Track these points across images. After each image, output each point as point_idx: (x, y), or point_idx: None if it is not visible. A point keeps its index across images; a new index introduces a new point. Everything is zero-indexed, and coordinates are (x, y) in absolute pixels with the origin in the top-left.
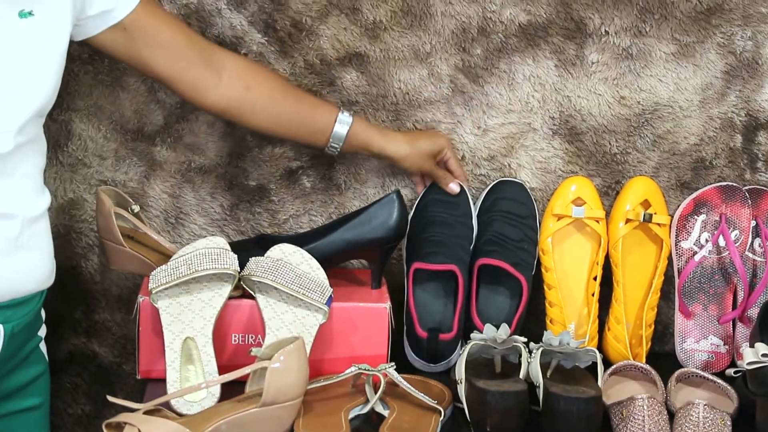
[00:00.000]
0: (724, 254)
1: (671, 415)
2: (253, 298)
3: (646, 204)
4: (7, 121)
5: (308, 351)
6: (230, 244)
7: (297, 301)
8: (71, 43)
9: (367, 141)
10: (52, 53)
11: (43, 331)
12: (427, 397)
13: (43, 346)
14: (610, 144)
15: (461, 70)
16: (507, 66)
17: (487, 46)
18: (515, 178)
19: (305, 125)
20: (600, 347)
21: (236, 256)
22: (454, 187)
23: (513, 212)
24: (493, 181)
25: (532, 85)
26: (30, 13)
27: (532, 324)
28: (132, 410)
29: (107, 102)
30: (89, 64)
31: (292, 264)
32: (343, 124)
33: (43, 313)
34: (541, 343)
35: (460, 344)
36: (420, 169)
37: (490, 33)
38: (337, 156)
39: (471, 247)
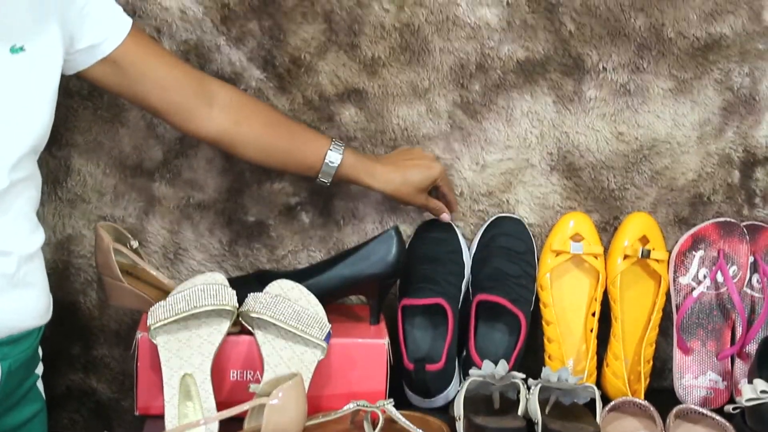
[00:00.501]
0: (722, 290)
1: None
2: (251, 334)
3: (644, 240)
4: (1, 157)
5: (307, 387)
6: (229, 279)
7: (295, 338)
8: (69, 78)
9: (355, 177)
10: (45, 88)
11: (40, 369)
12: None
13: (40, 384)
14: (608, 180)
15: (459, 106)
16: (505, 102)
17: (485, 82)
18: (513, 213)
19: (296, 160)
20: (598, 383)
21: (235, 292)
22: (445, 217)
23: (511, 248)
24: (492, 216)
25: (530, 121)
26: (21, 49)
27: (531, 360)
28: None
29: (106, 138)
30: (88, 100)
31: (291, 300)
32: (332, 161)
33: (40, 350)
34: (539, 380)
35: (459, 380)
36: (412, 201)
37: (488, 69)
38: (335, 190)
39: (463, 282)
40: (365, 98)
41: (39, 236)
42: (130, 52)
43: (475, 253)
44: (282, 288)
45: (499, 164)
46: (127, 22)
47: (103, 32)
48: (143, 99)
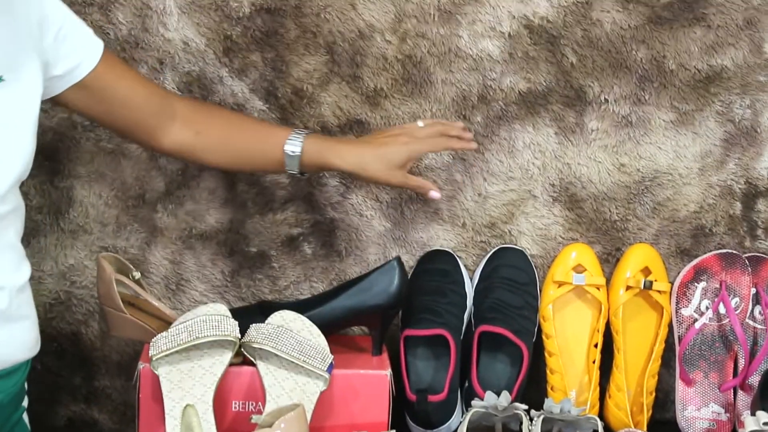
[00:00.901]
0: (724, 322)
1: None
2: (253, 364)
3: (646, 271)
4: None
5: (309, 418)
6: (231, 310)
7: (298, 368)
8: (72, 109)
9: (323, 162)
10: (27, 118)
11: (26, 402)
12: None
13: (26, 417)
14: (610, 211)
15: None
16: (507, 133)
17: (487, 113)
18: (516, 245)
19: (260, 158)
20: (601, 415)
21: (237, 322)
22: (435, 194)
23: (513, 279)
24: (494, 247)
25: (533, 152)
26: (1, 79)
27: (533, 391)
28: None
29: (108, 169)
30: (91, 131)
31: (293, 331)
32: (293, 151)
33: (25, 383)
34: (542, 411)
35: (461, 411)
36: (388, 181)
37: (490, 101)
38: (337, 222)
39: (465, 313)
40: (367, 129)
41: (27, 267)
42: (101, 75)
43: (477, 284)
44: (284, 319)
45: (501, 195)
46: (99, 45)
47: (78, 57)
48: (109, 119)
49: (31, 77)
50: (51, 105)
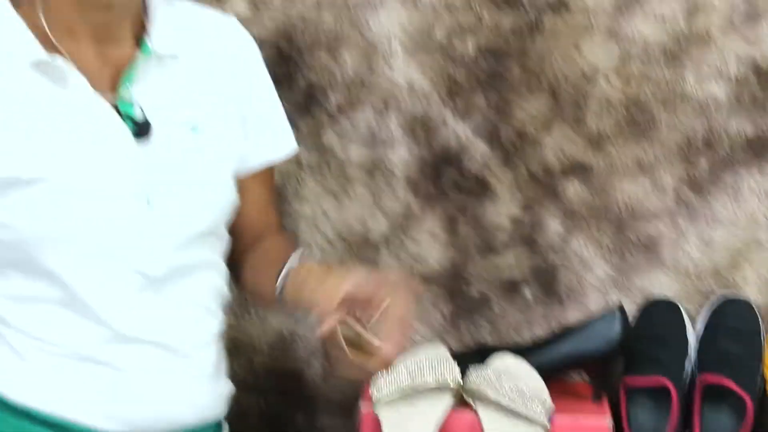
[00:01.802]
0: None
1: None
2: (473, 408)
3: None
4: (167, 237)
5: None
6: (450, 353)
7: (518, 414)
8: (299, 150)
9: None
10: (222, 170)
11: None
12: None
13: None
14: None
15: (685, 182)
16: (732, 179)
17: (712, 158)
18: (740, 294)
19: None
20: None
21: (457, 365)
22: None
23: (738, 329)
24: (717, 296)
25: (759, 198)
26: (194, 129)
27: None
28: None
29: (332, 209)
30: (318, 173)
31: (513, 375)
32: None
33: None
34: None
35: None
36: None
37: (715, 145)
38: (558, 267)
39: (687, 362)
40: (590, 173)
41: (215, 323)
42: (261, 176)
43: (699, 333)
44: (505, 363)
45: (726, 242)
46: (291, 145)
47: (265, 144)
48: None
49: (229, 132)
50: None
